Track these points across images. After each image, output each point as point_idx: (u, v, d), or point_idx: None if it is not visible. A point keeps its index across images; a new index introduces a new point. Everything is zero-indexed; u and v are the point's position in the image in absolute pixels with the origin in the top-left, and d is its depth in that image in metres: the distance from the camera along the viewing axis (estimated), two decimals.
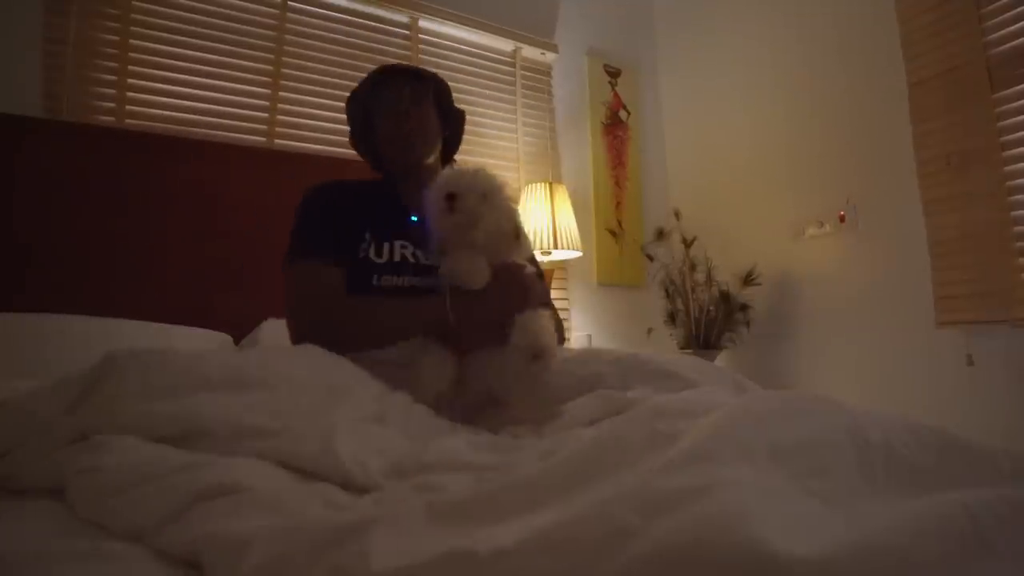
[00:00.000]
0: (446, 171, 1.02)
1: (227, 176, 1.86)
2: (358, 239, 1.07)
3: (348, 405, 0.70)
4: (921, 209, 2.02)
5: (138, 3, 1.87)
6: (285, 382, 0.71)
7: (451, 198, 0.93)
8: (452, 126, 1.28)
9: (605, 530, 0.33)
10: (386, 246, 1.07)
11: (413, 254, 1.08)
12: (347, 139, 1.28)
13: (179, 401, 0.62)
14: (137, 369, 0.64)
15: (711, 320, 2.47)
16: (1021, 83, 1.81)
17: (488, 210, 0.95)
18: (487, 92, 2.58)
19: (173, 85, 1.92)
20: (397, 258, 1.07)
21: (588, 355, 1.02)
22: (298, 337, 0.98)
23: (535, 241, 2.27)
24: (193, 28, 1.96)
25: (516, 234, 0.99)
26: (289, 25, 2.14)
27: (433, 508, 0.42)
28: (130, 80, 1.84)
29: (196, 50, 1.96)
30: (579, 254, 2.47)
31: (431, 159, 1.20)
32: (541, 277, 1.18)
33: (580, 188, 2.75)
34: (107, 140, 1.74)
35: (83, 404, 0.61)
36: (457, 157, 1.36)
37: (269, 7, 2.11)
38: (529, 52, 2.72)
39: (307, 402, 0.68)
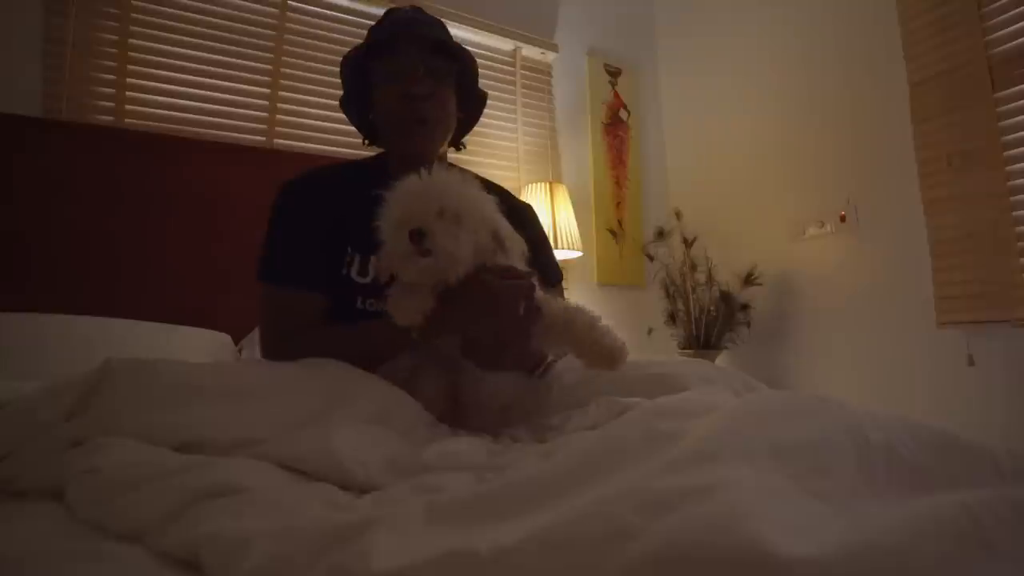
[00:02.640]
0: (400, 186, 0.78)
1: (227, 176, 1.86)
2: (340, 253, 0.95)
3: (347, 408, 0.70)
4: (922, 209, 2.01)
5: (138, 3, 1.87)
6: (283, 390, 0.71)
7: (418, 237, 0.71)
8: (470, 107, 1.11)
9: (605, 530, 0.32)
10: (372, 262, 0.94)
11: None
12: (349, 139, 1.16)
13: (177, 413, 0.62)
14: (135, 380, 0.64)
15: (711, 320, 2.47)
16: (1022, 83, 1.80)
17: (465, 235, 0.74)
18: (488, 92, 2.57)
19: (173, 85, 1.92)
20: (383, 280, 0.94)
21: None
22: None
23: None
24: (193, 28, 1.96)
25: (499, 243, 0.79)
26: (289, 25, 2.14)
27: (433, 508, 0.42)
28: (129, 80, 1.84)
29: (196, 50, 1.96)
30: (579, 254, 2.48)
31: (441, 149, 1.06)
32: (556, 279, 1.10)
33: (580, 188, 2.75)
34: (107, 140, 1.74)
35: (82, 413, 0.61)
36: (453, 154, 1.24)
37: (269, 7, 2.11)
38: (529, 52, 2.72)
39: (306, 408, 0.68)
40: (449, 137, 1.07)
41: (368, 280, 0.94)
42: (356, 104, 1.07)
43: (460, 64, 1.03)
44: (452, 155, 1.23)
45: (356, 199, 0.97)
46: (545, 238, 1.21)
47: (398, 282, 0.78)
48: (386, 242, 0.77)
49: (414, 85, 0.95)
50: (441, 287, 0.76)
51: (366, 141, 1.11)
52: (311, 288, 0.93)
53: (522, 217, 1.09)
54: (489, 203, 0.82)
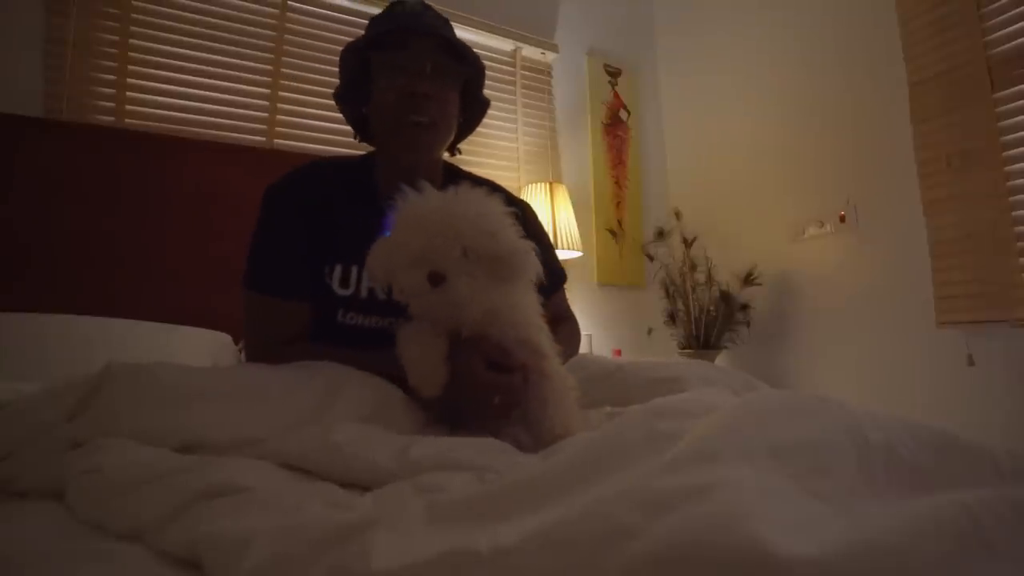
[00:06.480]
0: (415, 208, 0.72)
1: (227, 176, 1.86)
2: (322, 261, 0.91)
3: (345, 407, 0.70)
4: (921, 209, 2.02)
5: (138, 3, 1.88)
6: (281, 390, 0.71)
7: (438, 280, 0.68)
8: (471, 113, 1.08)
9: (605, 529, 0.33)
10: (354, 272, 0.91)
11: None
12: (349, 139, 1.11)
13: (177, 414, 0.62)
14: (135, 382, 0.64)
15: (711, 320, 2.47)
16: (1021, 83, 1.81)
17: (484, 279, 0.69)
18: (487, 92, 2.57)
19: (173, 85, 1.92)
20: (364, 293, 0.91)
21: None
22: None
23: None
24: (193, 28, 1.96)
25: (509, 270, 0.73)
26: (289, 25, 2.14)
27: (434, 508, 0.42)
28: (130, 80, 1.84)
29: (196, 50, 1.96)
30: (579, 254, 2.47)
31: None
32: (559, 281, 1.11)
33: (580, 188, 2.75)
34: (107, 140, 1.74)
35: (82, 415, 0.61)
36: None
37: (269, 7, 2.11)
38: (529, 52, 2.72)
39: (305, 407, 0.69)
40: (448, 143, 1.02)
41: (349, 292, 0.91)
42: (352, 97, 1.02)
43: (469, 68, 0.98)
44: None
45: (340, 208, 0.95)
46: (546, 238, 1.18)
47: (406, 330, 0.75)
48: (395, 273, 0.71)
49: (419, 83, 0.90)
50: (451, 336, 0.73)
51: (357, 138, 1.07)
52: (295, 297, 0.91)
53: (521, 218, 1.06)
54: (508, 227, 0.74)
